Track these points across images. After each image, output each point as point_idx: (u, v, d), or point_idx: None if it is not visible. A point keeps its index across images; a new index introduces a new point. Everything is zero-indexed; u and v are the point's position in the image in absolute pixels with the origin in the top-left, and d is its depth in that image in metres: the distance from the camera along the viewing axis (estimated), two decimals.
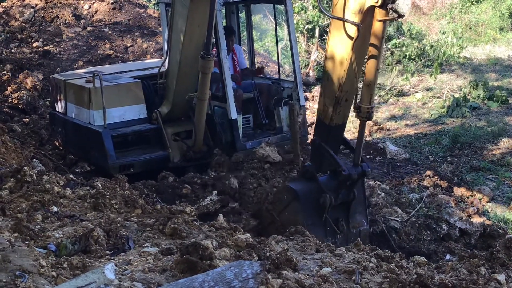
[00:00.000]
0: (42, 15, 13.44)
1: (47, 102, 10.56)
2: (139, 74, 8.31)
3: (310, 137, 11.60)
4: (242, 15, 9.46)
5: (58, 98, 8.40)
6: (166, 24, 7.81)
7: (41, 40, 12.76)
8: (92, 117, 7.50)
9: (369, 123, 12.70)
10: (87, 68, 10.17)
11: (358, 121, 5.68)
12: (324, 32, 17.46)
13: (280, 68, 9.37)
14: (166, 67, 7.62)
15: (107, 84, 7.56)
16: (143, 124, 7.70)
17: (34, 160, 6.86)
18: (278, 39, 9.15)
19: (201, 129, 7.39)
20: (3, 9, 13.68)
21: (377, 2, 4.97)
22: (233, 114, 7.43)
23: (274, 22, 8.73)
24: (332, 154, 5.76)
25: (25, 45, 12.50)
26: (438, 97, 14.33)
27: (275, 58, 16.44)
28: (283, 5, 7.92)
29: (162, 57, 8.74)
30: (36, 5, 13.66)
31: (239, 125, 7.60)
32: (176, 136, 7.67)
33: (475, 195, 8.91)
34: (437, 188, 8.99)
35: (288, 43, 8.22)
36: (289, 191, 5.91)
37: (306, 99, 14.86)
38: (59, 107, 8.40)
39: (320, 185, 5.75)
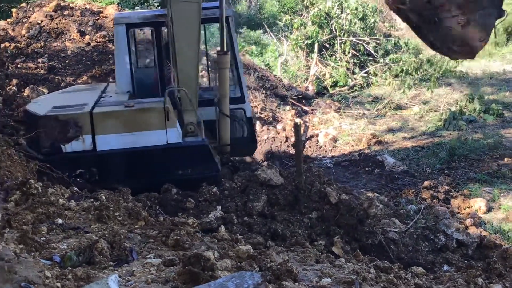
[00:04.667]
0: (48, 31, 13.60)
1: None
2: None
3: (305, 151, 11.71)
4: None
5: (75, 136, 7.60)
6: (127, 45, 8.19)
7: (46, 55, 12.88)
8: (171, 135, 7.48)
9: (367, 135, 12.83)
10: (58, 91, 9.82)
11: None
12: (323, 47, 17.58)
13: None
14: (176, 80, 7.74)
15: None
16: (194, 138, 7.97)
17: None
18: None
19: (227, 125, 7.98)
20: (9, 26, 13.84)
21: None
22: (249, 113, 8.39)
23: (235, 36, 8.93)
24: None
25: (30, 61, 12.61)
26: (435, 111, 14.42)
27: (275, 72, 16.56)
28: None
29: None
30: (42, 21, 13.81)
31: None
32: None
33: (472, 206, 8.98)
34: (435, 200, 9.06)
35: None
36: None
37: (306, 112, 14.96)
38: (82, 145, 7.62)
39: None
